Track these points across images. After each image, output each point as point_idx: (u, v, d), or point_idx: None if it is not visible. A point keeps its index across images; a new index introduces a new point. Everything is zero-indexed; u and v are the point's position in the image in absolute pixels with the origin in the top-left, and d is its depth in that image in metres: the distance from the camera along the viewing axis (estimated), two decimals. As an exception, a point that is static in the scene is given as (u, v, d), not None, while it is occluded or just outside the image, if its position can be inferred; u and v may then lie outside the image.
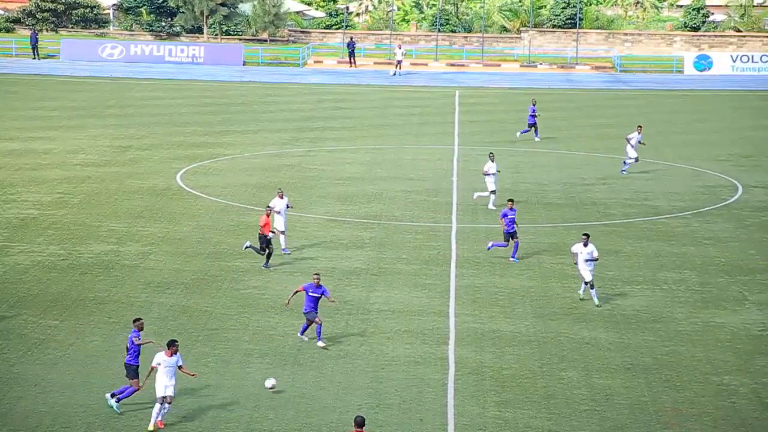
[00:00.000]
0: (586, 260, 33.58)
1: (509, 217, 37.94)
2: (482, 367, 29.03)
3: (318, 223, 43.67)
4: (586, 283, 33.75)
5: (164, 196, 47.49)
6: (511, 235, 37.99)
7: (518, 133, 62.22)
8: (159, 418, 24.93)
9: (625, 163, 52.77)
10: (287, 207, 39.25)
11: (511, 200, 38.73)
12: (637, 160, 52.43)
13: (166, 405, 25.01)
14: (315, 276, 30.38)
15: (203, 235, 41.27)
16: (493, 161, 45.49)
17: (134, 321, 26.39)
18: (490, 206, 45.20)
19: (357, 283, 35.94)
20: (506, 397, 27.30)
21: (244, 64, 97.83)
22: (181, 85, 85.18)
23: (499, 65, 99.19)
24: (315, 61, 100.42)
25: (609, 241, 41.31)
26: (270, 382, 26.96)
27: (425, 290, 35.38)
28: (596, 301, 33.63)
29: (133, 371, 25.82)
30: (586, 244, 33.55)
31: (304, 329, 30.46)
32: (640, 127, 53.19)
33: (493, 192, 45.39)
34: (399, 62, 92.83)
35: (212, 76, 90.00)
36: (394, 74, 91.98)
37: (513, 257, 37.94)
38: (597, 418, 26.17)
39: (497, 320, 32.66)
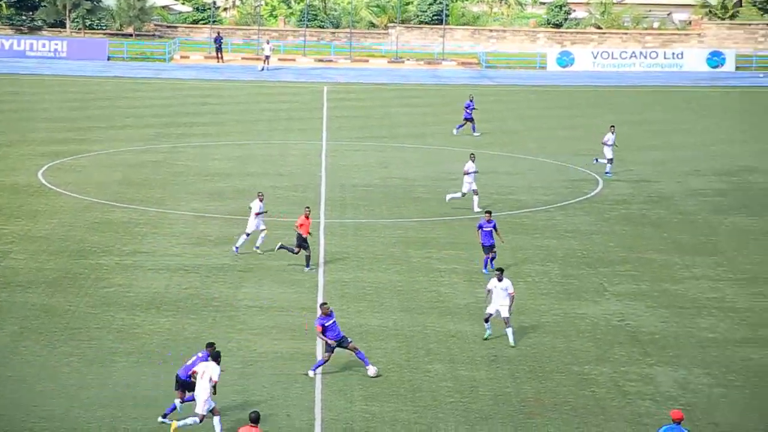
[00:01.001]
0: (502, 297, 30.29)
1: (485, 229, 36.56)
2: (349, 362, 29.17)
3: (185, 219, 43.32)
4: (487, 320, 30.58)
5: (25, 194, 46.60)
6: (488, 247, 36.53)
7: (454, 130, 62.57)
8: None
9: (608, 165, 51.87)
10: (261, 211, 38.60)
11: (488, 212, 37.28)
12: (611, 161, 51.76)
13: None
14: (323, 306, 28.53)
15: (66, 233, 40.62)
16: (473, 161, 44.95)
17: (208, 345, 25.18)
18: (476, 208, 44.33)
19: (225, 280, 35.79)
20: (373, 391, 27.50)
21: (108, 59, 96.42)
22: (43, 80, 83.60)
23: (367, 61, 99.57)
24: (182, 56, 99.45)
25: (475, 234, 41.85)
26: (373, 370, 27.84)
27: (293, 286, 35.40)
28: (512, 340, 30.25)
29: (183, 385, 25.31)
30: (500, 279, 30.39)
31: (321, 364, 28.31)
32: (613, 126, 52.76)
33: (475, 192, 44.72)
34: (267, 57, 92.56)
35: (76, 71, 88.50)
36: (262, 69, 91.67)
37: (485, 269, 36.45)
38: (462, 410, 26.54)
39: (365, 315, 32.85)
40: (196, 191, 48.07)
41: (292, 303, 33.74)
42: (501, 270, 30.98)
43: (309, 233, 36.91)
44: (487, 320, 30.72)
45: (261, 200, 38.87)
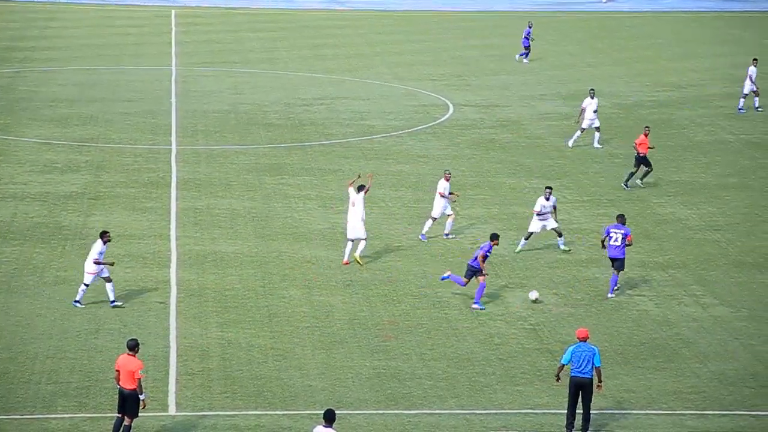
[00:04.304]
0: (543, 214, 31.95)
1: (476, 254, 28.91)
2: (204, 289, 29.14)
3: (30, 146, 42.38)
4: (528, 237, 32.36)
5: None
6: (475, 272, 28.74)
7: (516, 56, 62.93)
8: None
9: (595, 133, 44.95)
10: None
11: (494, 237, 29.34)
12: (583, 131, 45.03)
13: None
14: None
15: None
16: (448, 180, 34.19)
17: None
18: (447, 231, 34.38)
19: (74, 208, 35.23)
20: (229, 317, 27.55)
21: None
22: None
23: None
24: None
25: (329, 160, 41.97)
26: (534, 295, 28.60)
27: (145, 213, 35.06)
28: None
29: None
30: (547, 198, 32.10)
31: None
32: (593, 90, 45.60)
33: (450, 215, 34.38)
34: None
35: None
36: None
37: (476, 302, 28.70)
38: (318, 334, 26.81)
39: (219, 242, 32.77)
40: (41, 117, 46.99)
41: (144, 231, 33.44)
42: (550, 188, 32.43)
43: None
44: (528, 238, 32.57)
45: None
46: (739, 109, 51.13)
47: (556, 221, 32.80)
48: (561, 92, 55.41)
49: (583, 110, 44.68)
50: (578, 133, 44.91)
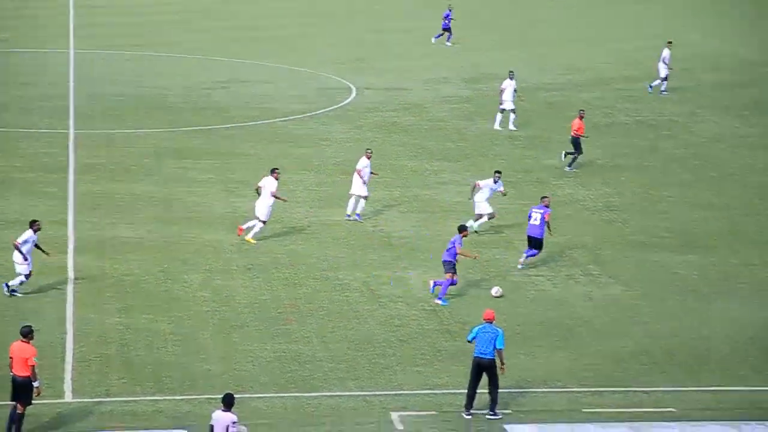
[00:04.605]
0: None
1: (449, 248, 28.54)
2: (103, 275, 28.88)
3: (-75, 132, 41.56)
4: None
5: None
6: (450, 266, 28.36)
7: (433, 39, 63.20)
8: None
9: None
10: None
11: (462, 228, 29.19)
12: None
13: None
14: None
15: None
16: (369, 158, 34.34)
17: None
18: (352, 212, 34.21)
19: (-31, 194, 34.64)
20: (128, 303, 27.34)
21: None
22: None
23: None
24: None
25: (232, 144, 41.78)
26: (496, 291, 28.41)
27: (42, 198, 34.59)
28: None
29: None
30: (496, 182, 32.37)
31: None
32: (512, 72, 45.04)
33: (364, 198, 34.04)
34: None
35: None
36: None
37: (439, 298, 28.25)
38: (218, 318, 26.73)
39: (119, 227, 32.47)
40: (-63, 102, 46.05)
41: (42, 216, 32.95)
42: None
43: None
44: None
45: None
46: (662, 91, 51.71)
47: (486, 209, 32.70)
48: (463, 76, 55.73)
49: (502, 91, 45.18)
50: (499, 115, 45.27)
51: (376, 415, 22.56)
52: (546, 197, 30.50)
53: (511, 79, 44.97)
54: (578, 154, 39.83)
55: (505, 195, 33.63)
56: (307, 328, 26.43)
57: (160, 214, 33.79)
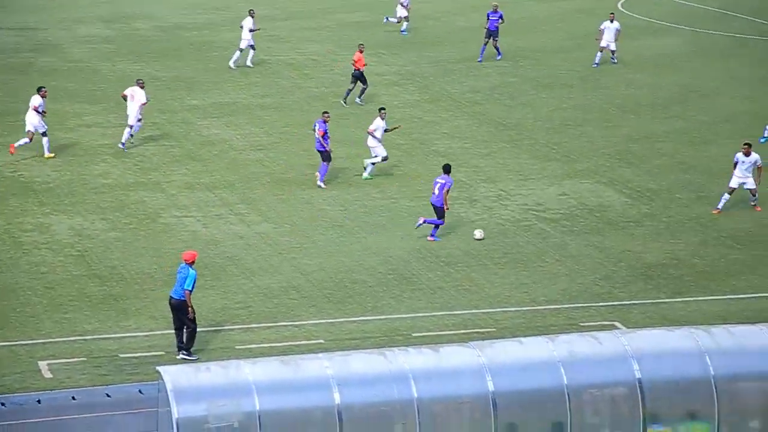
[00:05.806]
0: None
1: (439, 182, 28.83)
2: None
3: None
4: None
5: None
6: (437, 209, 28.80)
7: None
8: None
9: None
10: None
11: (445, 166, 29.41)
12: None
13: None
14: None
15: None
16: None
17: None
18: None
19: None
20: None
21: None
22: None
23: None
24: None
25: None
26: (479, 234, 28.59)
27: None
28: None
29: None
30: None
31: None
32: (252, 10, 45.91)
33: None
34: None
35: None
36: None
37: (432, 235, 28.80)
38: (49, 298, 25.06)
39: None
40: None
41: None
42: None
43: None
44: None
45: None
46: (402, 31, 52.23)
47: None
48: (101, 15, 54.31)
49: (242, 28, 45.50)
50: (237, 53, 45.33)
51: (23, 365, 21.83)
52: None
53: (252, 16, 45.31)
54: (366, 87, 40.57)
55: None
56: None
57: None
